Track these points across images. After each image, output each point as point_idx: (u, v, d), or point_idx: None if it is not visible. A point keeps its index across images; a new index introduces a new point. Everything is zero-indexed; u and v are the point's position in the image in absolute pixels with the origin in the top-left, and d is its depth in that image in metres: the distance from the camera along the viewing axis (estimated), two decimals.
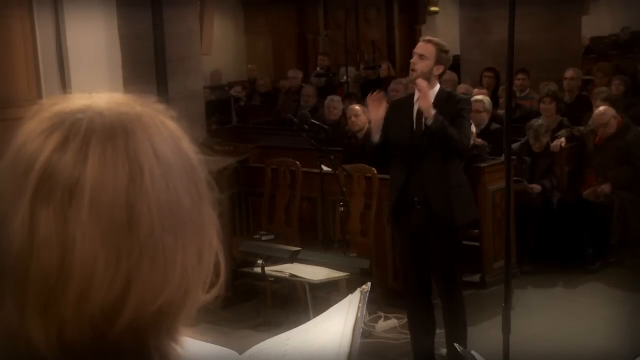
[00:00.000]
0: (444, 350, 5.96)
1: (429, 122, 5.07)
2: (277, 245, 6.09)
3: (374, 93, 5.41)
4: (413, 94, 5.27)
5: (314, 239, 7.24)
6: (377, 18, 17.33)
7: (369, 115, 5.49)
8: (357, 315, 1.26)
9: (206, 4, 12.42)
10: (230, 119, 11.46)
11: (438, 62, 5.20)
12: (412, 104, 5.24)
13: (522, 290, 7.06)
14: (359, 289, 1.34)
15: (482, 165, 7.30)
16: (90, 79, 7.64)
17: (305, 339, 1.27)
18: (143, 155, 0.89)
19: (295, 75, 12.64)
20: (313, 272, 5.51)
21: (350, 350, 1.19)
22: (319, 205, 7.24)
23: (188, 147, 0.96)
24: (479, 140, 7.74)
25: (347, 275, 5.44)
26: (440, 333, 6.27)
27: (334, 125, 8.84)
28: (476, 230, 7.32)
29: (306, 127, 7.14)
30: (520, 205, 7.29)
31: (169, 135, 0.94)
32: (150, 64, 7.86)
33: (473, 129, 7.56)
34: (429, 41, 5.30)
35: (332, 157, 6.63)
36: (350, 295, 1.34)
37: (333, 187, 6.65)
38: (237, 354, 1.17)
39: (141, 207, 0.87)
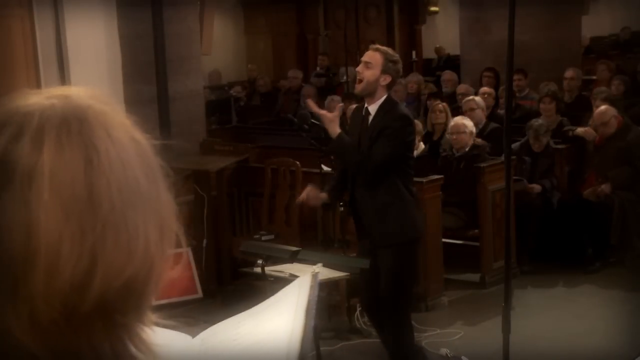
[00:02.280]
0: (444, 350, 5.96)
1: (333, 135, 5.02)
2: (277, 245, 6.09)
3: (308, 190, 5.37)
4: (364, 104, 5.17)
5: (314, 239, 7.24)
6: (377, 18, 17.33)
7: (306, 202, 5.44)
8: (309, 297, 1.27)
9: (206, 4, 12.42)
10: (230, 119, 11.45)
11: (385, 72, 5.05)
12: (362, 117, 5.13)
13: (522, 290, 7.06)
14: (310, 272, 1.36)
15: (482, 165, 7.30)
16: (90, 79, 7.63)
17: (256, 322, 1.28)
18: (97, 139, 0.92)
19: (295, 75, 12.64)
20: None
21: (303, 332, 1.20)
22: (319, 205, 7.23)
23: (139, 135, 0.99)
24: (479, 140, 7.75)
25: (347, 275, 5.44)
26: (440, 333, 6.28)
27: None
28: (476, 230, 7.33)
29: (306, 127, 7.13)
30: (520, 205, 7.30)
31: (120, 124, 0.97)
32: (150, 64, 7.86)
33: (472, 129, 7.59)
34: (376, 49, 5.15)
35: (332, 157, 6.63)
36: (299, 277, 1.36)
37: None
38: (189, 337, 1.20)
39: (100, 185, 0.90)
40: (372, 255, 5.12)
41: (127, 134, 0.96)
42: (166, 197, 0.99)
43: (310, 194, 5.31)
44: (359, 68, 5.13)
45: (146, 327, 0.97)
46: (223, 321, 1.28)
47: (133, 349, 0.94)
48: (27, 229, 0.88)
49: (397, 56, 5.19)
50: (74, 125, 0.92)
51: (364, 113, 5.14)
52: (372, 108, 5.10)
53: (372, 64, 5.06)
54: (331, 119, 5.04)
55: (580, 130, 8.15)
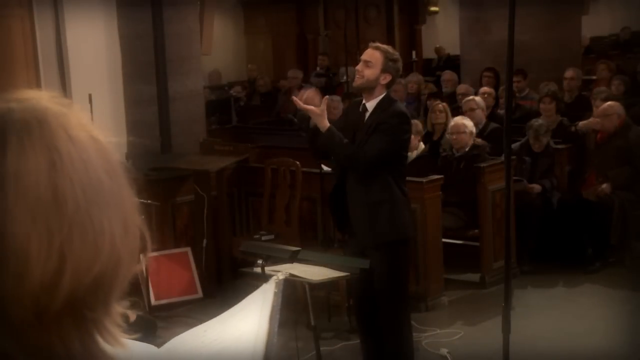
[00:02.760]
0: (444, 350, 5.96)
1: (322, 129, 4.96)
2: (277, 245, 6.08)
3: (308, 90, 5.22)
4: (362, 100, 5.13)
5: (314, 239, 7.24)
6: (377, 18, 17.33)
7: (301, 106, 5.17)
8: (273, 303, 1.28)
9: (206, 4, 12.42)
10: (230, 119, 11.45)
11: (385, 70, 5.01)
12: (359, 113, 5.09)
13: (522, 290, 7.06)
14: (273, 278, 1.37)
15: (482, 165, 7.30)
16: (90, 79, 7.64)
17: (222, 329, 1.29)
18: (58, 140, 0.94)
19: (295, 75, 12.64)
20: (313, 272, 5.51)
21: (267, 339, 1.21)
22: (319, 205, 7.24)
23: (98, 133, 1.01)
24: (479, 140, 7.74)
25: (347, 275, 5.43)
26: (440, 333, 6.27)
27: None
28: (476, 230, 7.33)
29: (306, 127, 7.13)
30: (520, 205, 7.29)
31: (79, 124, 0.99)
32: (150, 64, 7.86)
33: (472, 129, 7.59)
34: (376, 48, 5.07)
35: (332, 157, 6.62)
36: (264, 284, 1.37)
37: None
38: (155, 347, 1.21)
39: (64, 186, 0.92)
40: (361, 256, 5.09)
41: (87, 134, 0.98)
42: (128, 193, 1.01)
43: (310, 96, 5.09)
44: (359, 67, 5.08)
45: (114, 320, 0.99)
46: (190, 330, 1.30)
47: (102, 342, 0.97)
48: None
49: (397, 54, 5.14)
50: (34, 128, 0.94)
51: (361, 109, 5.12)
52: (370, 105, 5.07)
53: (372, 62, 5.02)
54: (319, 113, 4.99)
55: (582, 123, 8.14)
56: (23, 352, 0.91)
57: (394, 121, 5.00)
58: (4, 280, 0.89)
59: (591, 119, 8.13)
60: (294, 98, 5.24)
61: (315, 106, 5.03)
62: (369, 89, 5.06)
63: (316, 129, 5.09)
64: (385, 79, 5.04)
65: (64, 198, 0.92)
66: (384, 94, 5.07)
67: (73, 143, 0.95)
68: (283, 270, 1.27)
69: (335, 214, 5.35)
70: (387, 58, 5.03)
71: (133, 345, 1.09)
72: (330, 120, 5.12)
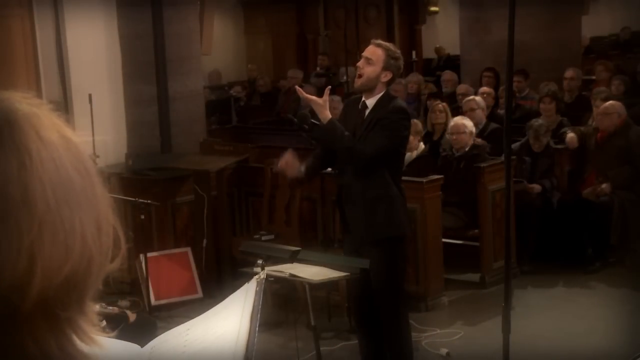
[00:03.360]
0: (444, 350, 5.96)
1: (323, 123, 4.93)
2: (277, 245, 6.09)
3: (286, 155, 5.21)
4: (361, 97, 5.11)
5: (314, 239, 7.24)
6: (377, 18, 17.33)
7: (281, 171, 5.27)
8: (254, 303, 1.28)
9: (206, 4, 12.42)
10: (230, 119, 11.45)
11: (386, 68, 4.99)
12: (359, 110, 5.08)
13: (522, 290, 7.06)
14: (255, 277, 1.37)
15: (482, 165, 7.30)
16: (90, 79, 7.64)
17: (204, 328, 1.29)
18: (28, 141, 0.94)
19: (295, 75, 12.63)
20: (313, 272, 5.51)
21: (248, 338, 1.22)
22: (319, 205, 7.24)
23: (70, 132, 1.00)
24: (479, 140, 7.74)
25: (347, 275, 5.43)
26: (440, 333, 6.28)
27: None
28: (476, 230, 7.33)
29: (306, 127, 7.12)
30: (520, 205, 7.29)
31: (51, 124, 0.98)
32: (150, 64, 7.86)
33: (472, 129, 7.59)
34: (378, 45, 5.04)
35: (330, 151, 6.62)
36: (246, 284, 1.37)
37: (333, 187, 6.64)
38: (138, 347, 1.21)
39: (34, 186, 0.92)
40: (357, 254, 5.09)
41: (58, 134, 0.98)
42: (101, 192, 1.01)
43: (289, 162, 5.14)
44: (360, 63, 5.06)
45: (89, 319, 0.99)
46: (173, 329, 1.30)
47: (77, 341, 0.96)
48: None
49: (398, 52, 5.13)
50: (4, 129, 0.94)
51: (360, 106, 5.11)
52: (370, 102, 5.06)
53: (373, 60, 5.00)
54: (321, 104, 4.98)
55: (569, 136, 8.12)
56: None
57: (395, 117, 4.99)
58: None
59: (570, 137, 8.09)
60: (297, 87, 5.26)
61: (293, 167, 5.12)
62: (369, 88, 5.06)
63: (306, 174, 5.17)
64: (386, 76, 5.03)
65: (33, 198, 0.91)
66: (384, 91, 5.06)
67: (43, 143, 0.95)
68: (261, 273, 1.28)
69: (339, 207, 5.32)
70: (389, 56, 5.02)
71: (114, 344, 1.09)
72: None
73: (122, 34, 7.86)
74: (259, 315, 1.27)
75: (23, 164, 0.92)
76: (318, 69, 14.60)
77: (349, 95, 10.19)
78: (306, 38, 16.51)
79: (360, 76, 5.05)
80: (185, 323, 1.32)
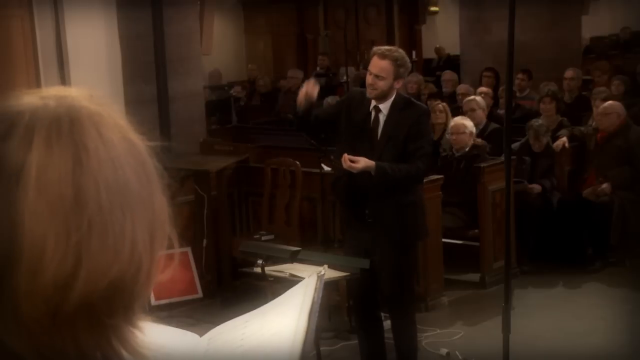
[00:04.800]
0: (444, 350, 5.96)
1: (373, 173, 4.91)
2: (277, 245, 6.09)
3: (310, 82, 5.24)
4: (365, 95, 5.11)
5: (314, 239, 7.24)
6: (377, 18, 17.33)
7: (299, 97, 5.21)
8: (313, 298, 1.27)
9: (206, 4, 12.42)
10: (230, 119, 11.46)
11: (397, 77, 5.01)
12: (370, 113, 5.08)
13: (522, 290, 7.06)
14: (315, 272, 1.36)
15: (482, 165, 7.30)
16: (91, 79, 7.64)
17: (262, 322, 1.28)
18: (88, 139, 0.92)
19: (295, 75, 12.63)
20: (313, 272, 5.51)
21: (305, 334, 1.21)
22: (319, 205, 7.24)
23: (134, 136, 0.98)
24: (479, 140, 7.74)
25: (347, 275, 5.43)
26: (440, 333, 6.28)
27: None
28: (476, 230, 7.33)
29: None
30: (520, 205, 7.30)
31: (114, 125, 0.96)
32: (150, 64, 7.86)
33: (473, 129, 7.59)
34: (383, 57, 4.99)
35: (332, 157, 6.62)
36: (307, 278, 1.36)
37: None
38: (197, 336, 1.19)
39: (88, 185, 0.90)
40: (365, 254, 5.11)
41: (121, 135, 0.96)
42: (160, 199, 0.99)
43: (310, 92, 5.14)
44: (370, 80, 5.01)
45: (136, 331, 0.96)
46: (230, 320, 1.28)
47: (122, 352, 0.94)
48: (12, 227, 0.87)
49: (403, 56, 5.09)
50: (64, 124, 0.92)
51: (371, 109, 5.10)
52: (384, 106, 5.07)
53: (383, 75, 4.98)
54: (365, 164, 4.88)
55: (559, 142, 8.13)
56: (35, 352, 0.89)
57: (424, 120, 5.15)
58: (18, 276, 0.87)
59: (558, 142, 8.10)
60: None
61: (313, 96, 5.10)
62: (384, 97, 5.07)
63: (304, 111, 5.15)
64: (399, 83, 5.07)
65: (85, 197, 0.89)
66: (395, 94, 5.09)
67: (103, 143, 0.93)
68: (321, 269, 1.26)
69: (349, 202, 5.27)
70: (397, 65, 5.00)
71: (171, 332, 1.07)
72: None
73: (122, 34, 7.85)
74: (317, 312, 1.25)
75: (79, 161, 0.90)
76: (318, 69, 14.61)
77: (356, 91, 10.18)
78: (306, 38, 16.51)
79: (374, 89, 5.02)
80: (244, 315, 1.31)
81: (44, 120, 0.91)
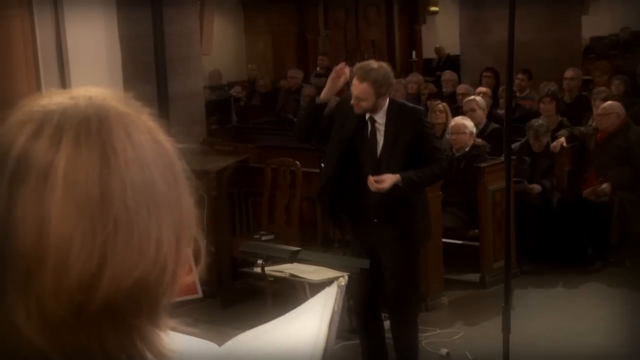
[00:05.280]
0: (444, 350, 5.96)
1: (401, 185, 4.95)
2: (277, 245, 6.09)
3: (341, 65, 5.27)
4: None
5: (314, 239, 7.24)
6: (377, 18, 17.33)
7: (330, 83, 5.25)
8: (333, 308, 1.26)
9: (206, 4, 12.43)
10: (230, 119, 11.45)
11: (379, 96, 5.00)
12: (365, 124, 5.09)
13: (522, 290, 7.06)
14: (335, 282, 1.35)
15: (482, 165, 7.30)
16: (91, 79, 7.64)
17: (283, 331, 1.27)
18: (116, 139, 0.92)
19: (295, 75, 12.63)
20: (313, 272, 5.51)
21: (326, 343, 1.20)
22: (319, 205, 7.23)
23: (164, 138, 1.00)
24: (479, 140, 7.74)
25: (347, 275, 5.43)
26: (440, 333, 6.28)
27: None
28: (476, 230, 7.33)
29: None
30: (520, 205, 7.30)
31: (144, 126, 0.97)
32: (150, 64, 7.86)
33: (473, 129, 7.58)
34: (363, 79, 4.97)
35: (322, 163, 6.62)
36: (327, 287, 1.35)
37: None
38: (216, 346, 1.19)
39: (114, 185, 0.90)
40: (370, 253, 5.11)
41: (149, 136, 0.97)
42: (186, 201, 1.00)
43: (340, 74, 5.20)
44: (354, 101, 5.04)
45: (161, 332, 0.96)
46: (250, 330, 1.27)
47: (146, 353, 0.94)
48: (39, 225, 0.88)
49: (384, 74, 5.02)
50: (93, 124, 0.92)
51: (367, 119, 5.10)
52: (379, 117, 5.09)
53: (363, 97, 5.00)
54: (392, 179, 4.93)
55: (556, 142, 8.12)
56: (60, 352, 0.89)
57: (425, 120, 5.27)
58: (43, 274, 0.88)
59: (555, 143, 8.10)
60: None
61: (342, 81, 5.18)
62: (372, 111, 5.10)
63: (315, 106, 5.24)
64: (384, 99, 5.07)
65: (112, 197, 0.90)
66: (387, 101, 5.10)
67: (131, 143, 0.93)
68: (341, 279, 1.25)
69: (333, 209, 5.34)
70: (377, 87, 4.97)
71: (191, 342, 1.06)
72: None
73: (122, 34, 7.86)
74: (338, 321, 1.25)
75: (107, 161, 0.91)
76: (318, 69, 14.60)
77: (349, 96, 10.19)
78: (306, 38, 16.51)
79: (358, 107, 5.05)
80: (263, 325, 1.30)
81: (73, 120, 0.92)
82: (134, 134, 0.94)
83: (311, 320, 1.27)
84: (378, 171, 5.02)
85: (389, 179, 4.91)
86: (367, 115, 5.10)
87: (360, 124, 5.13)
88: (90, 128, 0.92)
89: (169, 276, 0.95)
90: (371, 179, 4.92)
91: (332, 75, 5.29)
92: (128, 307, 0.91)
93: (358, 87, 5.01)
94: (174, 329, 1.00)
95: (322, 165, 6.28)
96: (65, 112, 0.93)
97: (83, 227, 0.88)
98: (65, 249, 0.88)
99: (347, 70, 5.25)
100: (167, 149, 0.99)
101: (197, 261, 1.01)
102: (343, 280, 1.35)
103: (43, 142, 0.91)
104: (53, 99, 0.96)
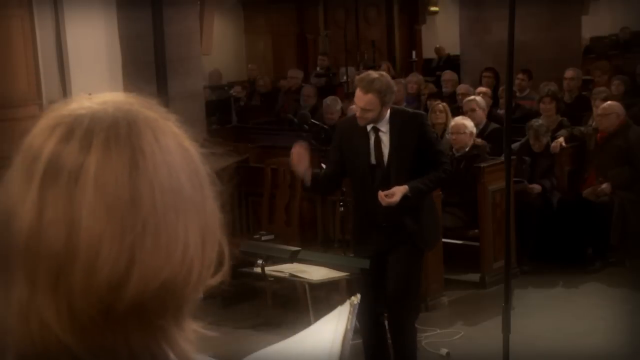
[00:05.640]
0: (444, 350, 5.96)
1: (409, 194, 4.98)
2: (277, 245, 6.09)
3: (297, 145, 5.25)
4: (355, 120, 5.15)
5: (314, 239, 7.24)
6: (377, 18, 17.34)
7: (293, 166, 5.31)
8: (346, 326, 1.26)
9: (206, 4, 12.43)
10: (230, 119, 11.45)
11: (384, 105, 5.02)
12: (368, 134, 5.11)
13: (522, 290, 7.06)
14: (348, 301, 1.34)
15: (482, 165, 7.30)
16: (90, 79, 7.64)
17: (297, 349, 1.27)
18: (145, 143, 0.95)
19: (295, 75, 12.63)
20: (313, 272, 5.52)
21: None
22: (319, 205, 7.24)
23: (189, 143, 1.02)
24: (479, 140, 7.74)
25: (347, 275, 5.44)
26: (440, 333, 6.28)
27: (334, 125, 8.82)
28: (476, 230, 7.33)
29: (306, 127, 7.14)
30: (520, 205, 7.30)
31: (170, 131, 1.00)
32: (150, 64, 7.86)
33: (473, 129, 7.58)
34: (367, 91, 4.97)
35: (322, 165, 6.61)
36: (340, 306, 1.35)
37: None
38: None
39: (143, 188, 0.92)
40: (379, 256, 5.12)
41: (176, 141, 0.99)
42: (211, 205, 1.01)
43: (300, 154, 5.19)
44: (359, 113, 5.05)
45: (186, 334, 0.98)
46: (263, 349, 1.28)
47: (170, 354, 0.95)
48: (70, 226, 0.90)
49: (387, 83, 5.04)
50: (122, 128, 0.95)
51: (369, 130, 5.11)
52: (382, 124, 5.10)
53: (369, 108, 5.01)
54: (396, 197, 4.96)
55: (555, 143, 8.12)
56: (87, 350, 0.91)
57: (427, 124, 5.31)
58: (73, 274, 0.90)
59: (555, 143, 8.10)
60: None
61: (306, 165, 5.18)
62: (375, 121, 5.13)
63: (308, 186, 5.38)
64: (387, 108, 5.09)
65: (141, 199, 0.92)
66: (389, 111, 5.13)
67: (159, 147, 0.96)
68: (354, 298, 1.24)
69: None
70: (382, 96, 4.99)
71: None
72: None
73: (122, 34, 7.86)
74: (351, 338, 1.25)
75: (136, 164, 0.93)
76: (318, 69, 14.60)
77: (349, 96, 10.22)
78: (306, 38, 16.51)
79: (363, 119, 5.06)
80: (277, 343, 1.30)
81: (102, 123, 0.94)
82: (161, 138, 0.97)
83: (324, 339, 1.27)
84: (387, 178, 5.05)
85: (398, 192, 4.97)
86: (370, 126, 5.11)
87: (365, 137, 5.13)
88: (120, 132, 0.94)
89: (195, 278, 0.97)
90: (381, 194, 4.96)
91: (293, 162, 5.27)
92: (154, 308, 0.93)
93: (363, 99, 5.01)
94: (195, 331, 1.02)
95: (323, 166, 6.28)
96: (95, 116, 0.95)
97: (112, 229, 0.90)
98: (95, 249, 0.90)
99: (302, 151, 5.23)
100: (192, 154, 1.01)
101: (221, 264, 1.03)
102: (356, 300, 1.34)
103: (74, 145, 0.93)
104: (81, 103, 0.98)
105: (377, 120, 5.08)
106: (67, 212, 0.90)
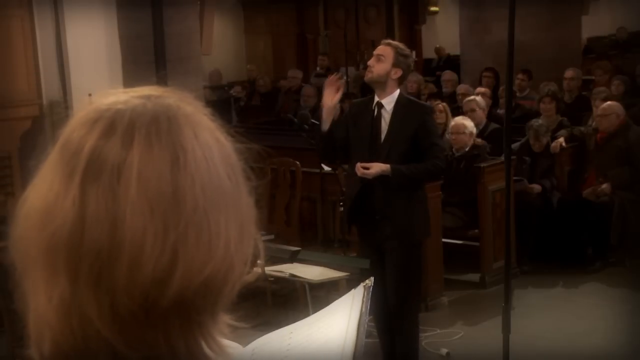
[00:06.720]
0: (444, 350, 5.96)
1: (389, 174, 4.97)
2: (277, 245, 6.09)
3: (333, 76, 5.34)
4: (373, 97, 5.17)
5: (314, 239, 7.24)
6: (377, 18, 17.33)
7: (323, 100, 5.27)
8: (361, 310, 1.25)
9: (206, 4, 12.43)
10: (230, 119, 11.46)
11: (396, 65, 5.09)
12: (372, 110, 5.14)
13: (522, 290, 7.06)
14: (362, 284, 1.34)
15: (482, 165, 7.30)
16: (90, 79, 7.64)
17: (308, 333, 1.26)
18: (185, 139, 0.94)
19: (295, 75, 12.63)
20: (313, 272, 5.52)
21: (355, 346, 1.19)
22: (319, 205, 7.24)
23: (224, 137, 1.02)
24: (479, 140, 7.74)
25: (347, 275, 5.45)
26: (440, 333, 6.28)
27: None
28: (476, 230, 7.33)
29: (306, 127, 7.13)
30: (520, 205, 7.30)
31: (207, 126, 1.00)
32: (150, 64, 7.87)
33: (473, 129, 7.59)
34: (388, 44, 5.19)
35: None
36: (353, 290, 1.34)
37: (333, 187, 6.65)
38: (240, 346, 1.19)
39: (185, 184, 0.92)
40: (379, 253, 5.12)
41: (213, 136, 0.99)
42: (247, 200, 1.02)
43: (333, 88, 5.16)
44: (371, 61, 5.14)
45: (219, 328, 0.99)
46: (275, 331, 1.27)
47: (206, 349, 0.96)
48: (113, 222, 0.90)
49: (408, 50, 5.26)
50: (163, 124, 0.94)
51: (374, 106, 5.14)
52: (386, 102, 5.11)
53: (384, 57, 5.09)
54: (381, 169, 4.97)
55: (555, 143, 8.12)
56: (127, 344, 0.91)
57: (430, 118, 5.33)
58: (117, 270, 0.89)
59: (555, 143, 8.10)
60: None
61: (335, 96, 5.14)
62: (380, 84, 5.11)
63: (323, 131, 5.16)
64: (396, 73, 5.10)
65: (183, 195, 0.91)
66: (398, 91, 5.14)
67: (199, 143, 0.95)
68: (368, 281, 1.24)
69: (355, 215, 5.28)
70: (398, 53, 5.11)
71: None
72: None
73: (122, 34, 7.86)
74: (366, 323, 1.24)
75: (177, 160, 0.92)
76: (318, 69, 14.61)
77: (349, 95, 10.22)
78: (306, 38, 16.52)
79: (370, 72, 5.14)
80: (288, 326, 1.30)
81: (143, 119, 0.94)
82: (200, 133, 0.97)
83: (338, 322, 1.26)
84: (380, 155, 5.05)
85: (376, 166, 4.97)
86: (375, 100, 5.12)
87: (371, 115, 5.14)
88: (161, 127, 0.94)
89: (234, 275, 0.96)
90: (359, 165, 4.98)
91: (326, 89, 5.23)
92: (195, 304, 0.93)
93: (381, 49, 5.16)
94: (230, 326, 1.02)
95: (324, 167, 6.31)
96: (135, 111, 0.95)
97: (156, 224, 0.90)
98: (139, 245, 0.89)
99: (339, 82, 5.31)
100: (228, 149, 1.01)
101: (255, 260, 1.02)
102: (369, 282, 1.33)
103: (115, 140, 0.92)
104: (118, 97, 0.98)
105: (382, 89, 5.10)
106: (110, 209, 0.90)
